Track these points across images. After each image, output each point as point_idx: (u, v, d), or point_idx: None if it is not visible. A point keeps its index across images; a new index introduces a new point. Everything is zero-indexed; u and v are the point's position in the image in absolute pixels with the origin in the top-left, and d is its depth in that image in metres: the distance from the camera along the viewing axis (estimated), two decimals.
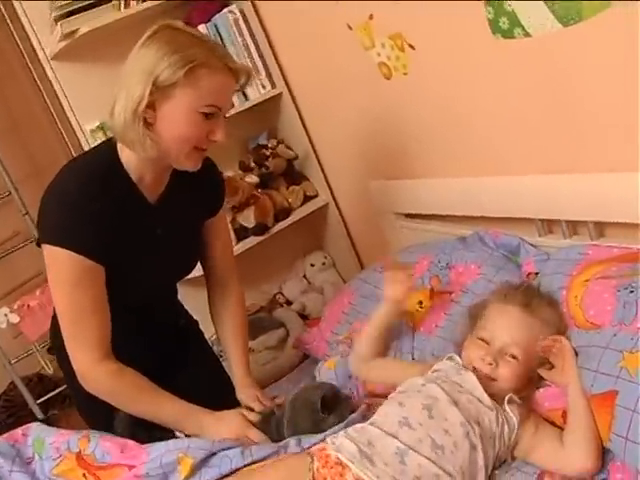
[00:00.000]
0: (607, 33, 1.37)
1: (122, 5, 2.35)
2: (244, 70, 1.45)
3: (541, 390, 1.41)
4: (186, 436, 1.48)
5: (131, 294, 1.55)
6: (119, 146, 1.48)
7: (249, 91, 2.54)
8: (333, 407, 1.47)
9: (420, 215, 2.18)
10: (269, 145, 2.66)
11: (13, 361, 2.85)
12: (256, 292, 2.84)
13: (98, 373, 1.46)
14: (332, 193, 2.71)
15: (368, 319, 1.71)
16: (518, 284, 1.58)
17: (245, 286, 2.77)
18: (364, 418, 1.41)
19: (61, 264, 1.41)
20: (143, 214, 1.52)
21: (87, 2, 2.30)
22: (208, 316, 1.81)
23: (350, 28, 2.07)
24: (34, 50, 2.48)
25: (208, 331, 1.93)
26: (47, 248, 1.42)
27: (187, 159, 1.45)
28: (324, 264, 2.87)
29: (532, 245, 1.76)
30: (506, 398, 1.37)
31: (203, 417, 1.47)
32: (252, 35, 2.51)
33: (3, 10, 2.68)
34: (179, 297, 1.89)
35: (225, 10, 2.50)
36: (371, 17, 1.96)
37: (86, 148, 2.41)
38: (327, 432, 1.36)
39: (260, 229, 2.54)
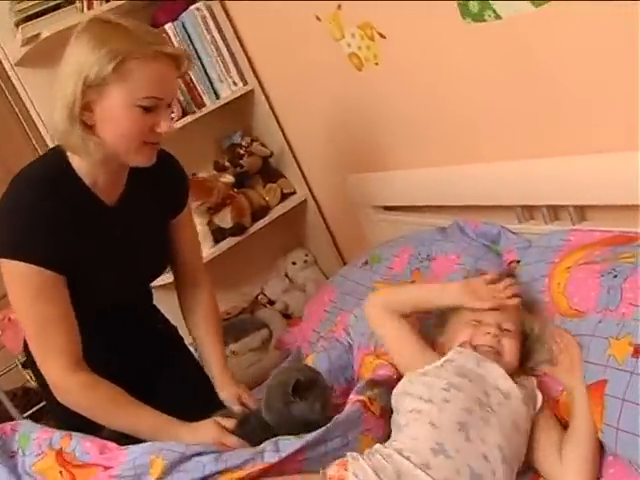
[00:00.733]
0: (580, 11, 1.33)
1: (85, 6, 2.29)
2: (182, 54, 1.38)
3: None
4: None
5: (99, 299, 1.50)
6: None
7: (220, 90, 2.49)
8: (307, 393, 1.39)
9: (398, 207, 2.15)
10: (243, 143, 2.61)
11: None
12: (237, 294, 2.80)
13: (70, 384, 1.42)
14: (310, 189, 2.67)
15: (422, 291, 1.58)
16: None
17: (226, 289, 2.78)
18: (358, 418, 1.35)
19: (19, 277, 1.36)
20: (100, 217, 1.47)
21: (48, 5, 2.24)
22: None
23: (319, 19, 2.02)
24: None
25: (188, 337, 1.87)
26: (3, 262, 1.37)
27: (138, 155, 1.39)
28: (306, 262, 2.83)
29: (513, 233, 1.73)
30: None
31: (179, 429, 1.43)
32: (220, 31, 2.46)
33: None
34: (156, 303, 1.83)
35: (192, 7, 2.44)
36: (339, 7, 1.92)
37: None
38: (308, 438, 1.29)
39: (238, 229, 2.49)
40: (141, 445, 1.32)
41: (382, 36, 1.83)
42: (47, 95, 2.30)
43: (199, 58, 2.45)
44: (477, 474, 1.15)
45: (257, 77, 2.55)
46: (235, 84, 2.51)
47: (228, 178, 2.52)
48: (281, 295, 2.79)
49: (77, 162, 1.42)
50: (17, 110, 2.79)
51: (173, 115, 2.38)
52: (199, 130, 2.54)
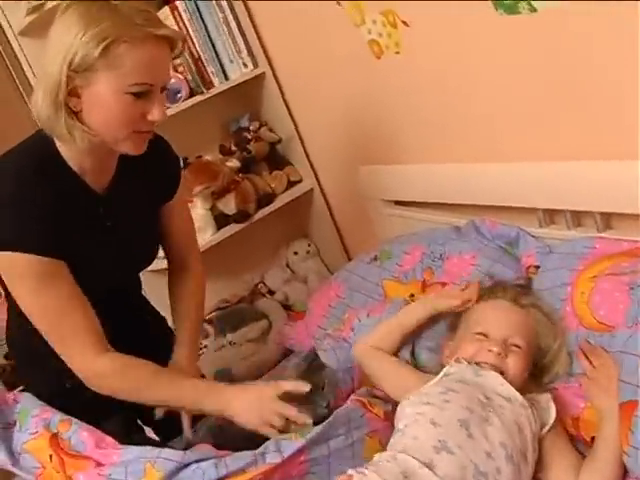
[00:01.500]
0: (620, 10, 1.26)
1: None
2: (175, 35, 1.27)
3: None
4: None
5: (89, 286, 1.41)
6: None
7: (230, 71, 2.41)
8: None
9: (411, 202, 2.07)
10: (251, 128, 2.54)
11: None
12: (237, 282, 2.73)
13: (101, 367, 1.35)
14: (317, 178, 2.60)
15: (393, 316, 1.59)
16: (496, 282, 1.57)
17: (225, 276, 2.72)
18: (361, 417, 1.31)
19: (20, 270, 1.29)
20: (89, 205, 1.39)
21: None
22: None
23: (339, 3, 1.94)
24: (0, 26, 2.34)
25: None
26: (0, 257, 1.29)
27: (127, 144, 1.30)
28: (308, 252, 2.76)
29: (532, 236, 1.67)
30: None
31: (225, 390, 1.37)
32: (233, 10, 2.37)
33: None
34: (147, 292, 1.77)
35: None
36: None
37: None
38: (308, 437, 1.24)
39: (241, 216, 2.42)
40: (138, 448, 1.27)
41: (405, 24, 1.76)
42: None
43: (209, 37, 2.36)
44: (482, 472, 1.11)
45: (269, 60, 2.46)
46: (245, 66, 2.43)
47: (234, 162, 2.45)
48: (281, 285, 2.72)
49: (64, 147, 1.33)
50: (18, 81, 2.73)
51: (180, 95, 2.31)
52: (206, 112, 2.46)
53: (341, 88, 2.17)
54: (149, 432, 1.67)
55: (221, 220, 2.42)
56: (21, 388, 1.56)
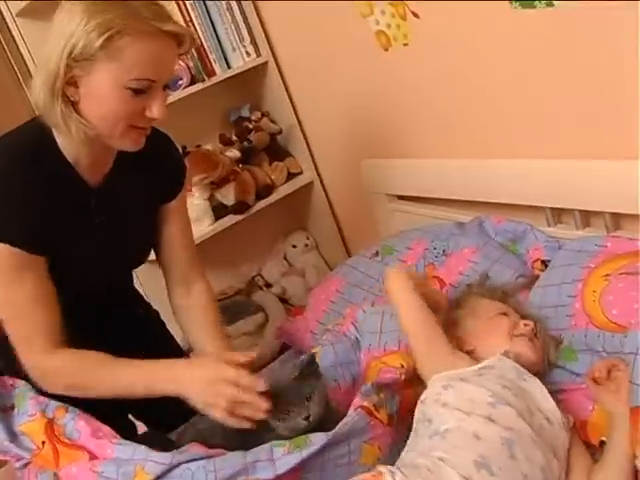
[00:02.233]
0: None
1: None
2: (184, 32, 1.22)
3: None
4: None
5: (76, 282, 1.38)
6: None
7: (232, 59, 2.37)
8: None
9: (414, 197, 2.04)
10: (252, 118, 2.50)
11: None
12: (234, 274, 2.70)
13: (53, 361, 1.30)
14: (317, 171, 2.56)
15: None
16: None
17: (222, 268, 2.68)
18: (363, 428, 1.24)
19: None
20: (80, 197, 1.34)
21: None
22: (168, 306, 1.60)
23: None
24: None
25: (170, 321, 1.73)
26: None
27: (123, 139, 1.26)
28: (307, 245, 2.73)
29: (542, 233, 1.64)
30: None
31: (174, 366, 1.32)
32: None
33: None
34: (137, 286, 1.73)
35: None
36: None
37: None
38: (304, 454, 1.17)
39: (240, 207, 2.38)
40: (130, 448, 1.24)
41: (415, 15, 1.72)
42: None
43: (213, 25, 2.32)
44: None
45: (272, 49, 2.42)
46: (248, 54, 2.39)
47: (234, 153, 2.41)
48: (279, 279, 2.69)
49: (61, 136, 1.28)
50: (14, 63, 2.68)
51: (181, 82, 2.27)
52: (206, 100, 2.43)
53: (345, 79, 2.13)
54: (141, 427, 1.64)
55: (219, 211, 2.38)
56: None
